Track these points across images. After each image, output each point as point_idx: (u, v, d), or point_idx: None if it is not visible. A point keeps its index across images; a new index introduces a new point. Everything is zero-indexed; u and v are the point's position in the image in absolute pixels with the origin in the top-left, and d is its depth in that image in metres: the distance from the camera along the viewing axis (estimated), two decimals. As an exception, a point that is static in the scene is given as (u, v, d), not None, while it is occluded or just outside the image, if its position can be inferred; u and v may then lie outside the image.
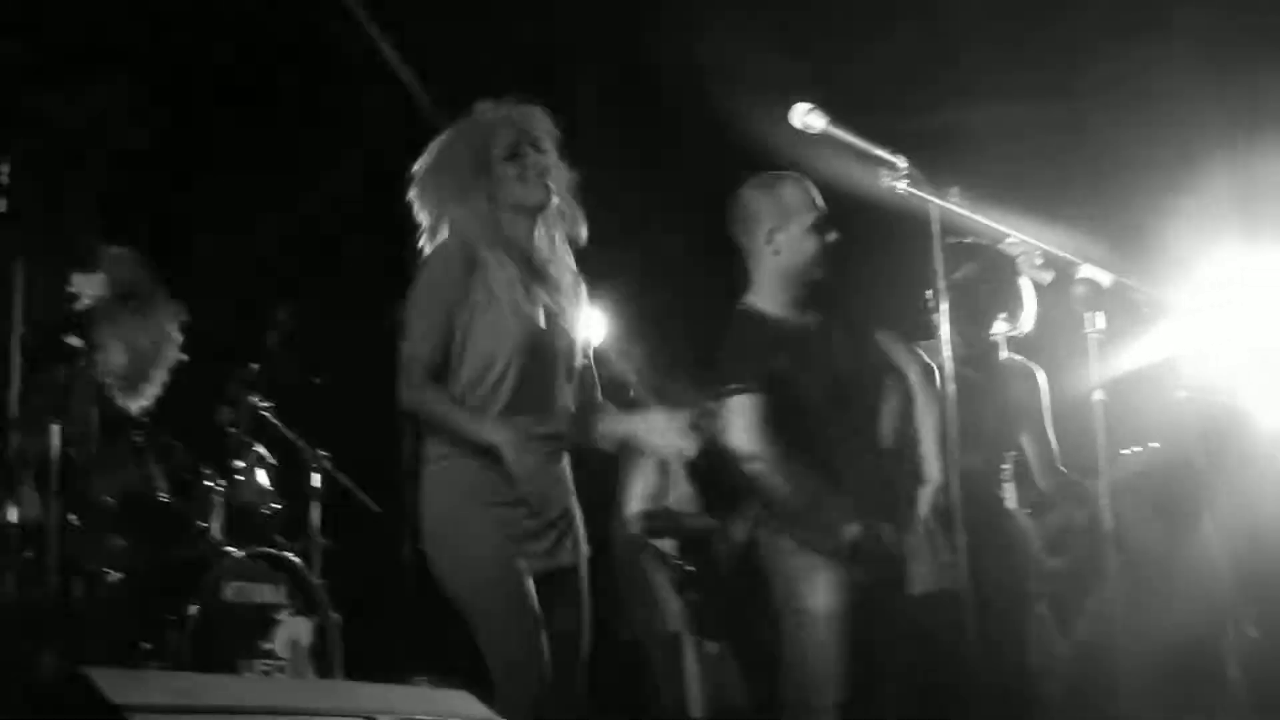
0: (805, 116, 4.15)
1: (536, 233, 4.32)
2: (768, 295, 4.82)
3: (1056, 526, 6.20)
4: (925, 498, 4.72)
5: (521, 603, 4.08)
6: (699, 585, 6.63)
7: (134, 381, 5.68)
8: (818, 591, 4.57)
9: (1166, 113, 6.65)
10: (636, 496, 6.72)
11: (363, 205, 6.75)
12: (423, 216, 4.32)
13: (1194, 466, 5.94)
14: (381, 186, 6.84)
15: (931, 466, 4.72)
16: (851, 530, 4.54)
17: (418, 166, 4.32)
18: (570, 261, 4.40)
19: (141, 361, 5.68)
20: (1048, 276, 5.17)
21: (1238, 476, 5.76)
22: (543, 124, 4.32)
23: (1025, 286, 5.23)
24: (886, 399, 4.82)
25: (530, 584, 4.12)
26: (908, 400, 4.82)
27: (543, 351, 4.21)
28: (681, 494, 6.76)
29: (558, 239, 4.37)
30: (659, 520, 6.70)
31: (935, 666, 4.68)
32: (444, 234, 4.25)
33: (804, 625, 4.58)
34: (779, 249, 4.78)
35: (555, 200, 4.30)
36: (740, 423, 4.61)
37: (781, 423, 4.66)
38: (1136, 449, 5.64)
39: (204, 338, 5.91)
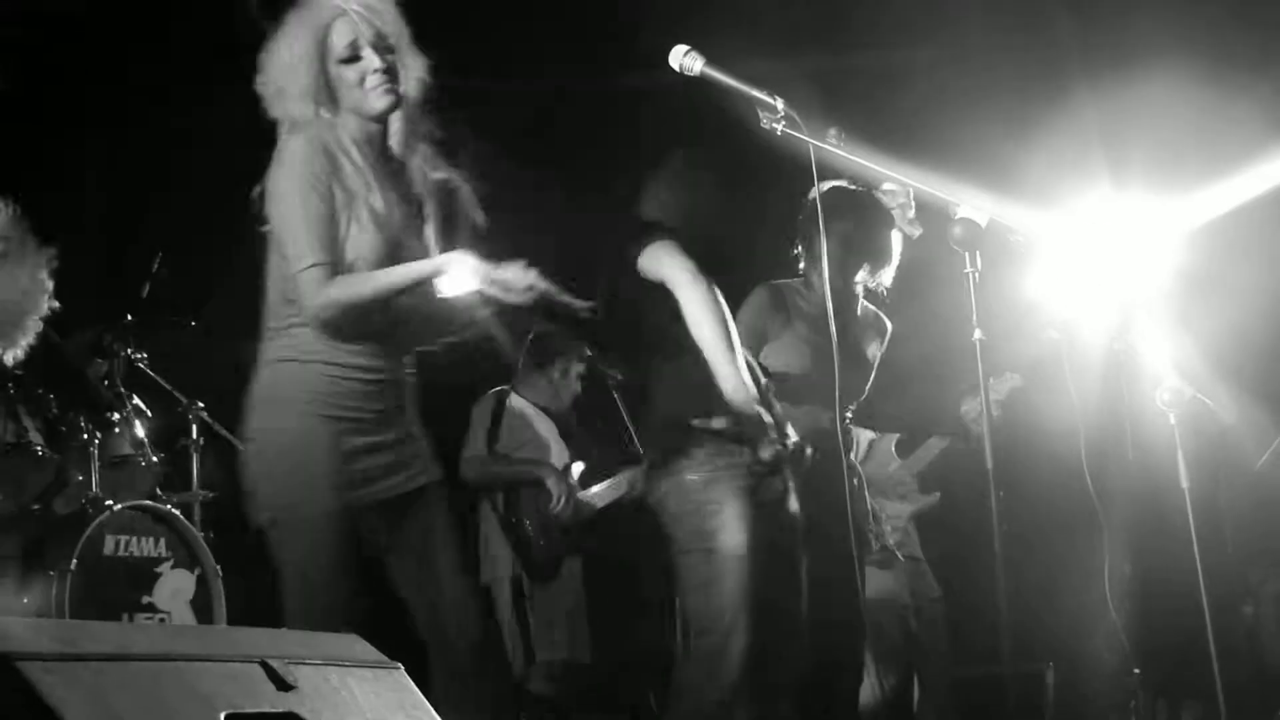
0: (683, 58, 4.14)
1: (391, 138, 3.97)
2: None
3: (924, 463, 6.34)
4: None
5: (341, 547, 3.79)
6: (526, 535, 6.51)
7: (5, 329, 5.57)
8: (728, 528, 4.44)
9: (1036, 54, 6.75)
10: (475, 441, 6.63)
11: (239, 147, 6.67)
12: (273, 113, 3.94)
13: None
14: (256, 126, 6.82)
15: (724, 382, 4.45)
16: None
17: (261, 59, 3.93)
18: (429, 167, 4.05)
19: (14, 311, 5.58)
20: (918, 231, 5.24)
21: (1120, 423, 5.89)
22: (385, 18, 3.94)
23: (895, 240, 5.26)
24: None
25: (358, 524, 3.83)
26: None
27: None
28: (539, 440, 6.66)
29: (416, 142, 4.01)
30: (482, 467, 6.59)
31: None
32: (295, 134, 3.87)
33: (713, 563, 4.42)
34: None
35: (404, 102, 3.94)
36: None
37: None
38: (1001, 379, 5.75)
39: (76, 287, 5.81)
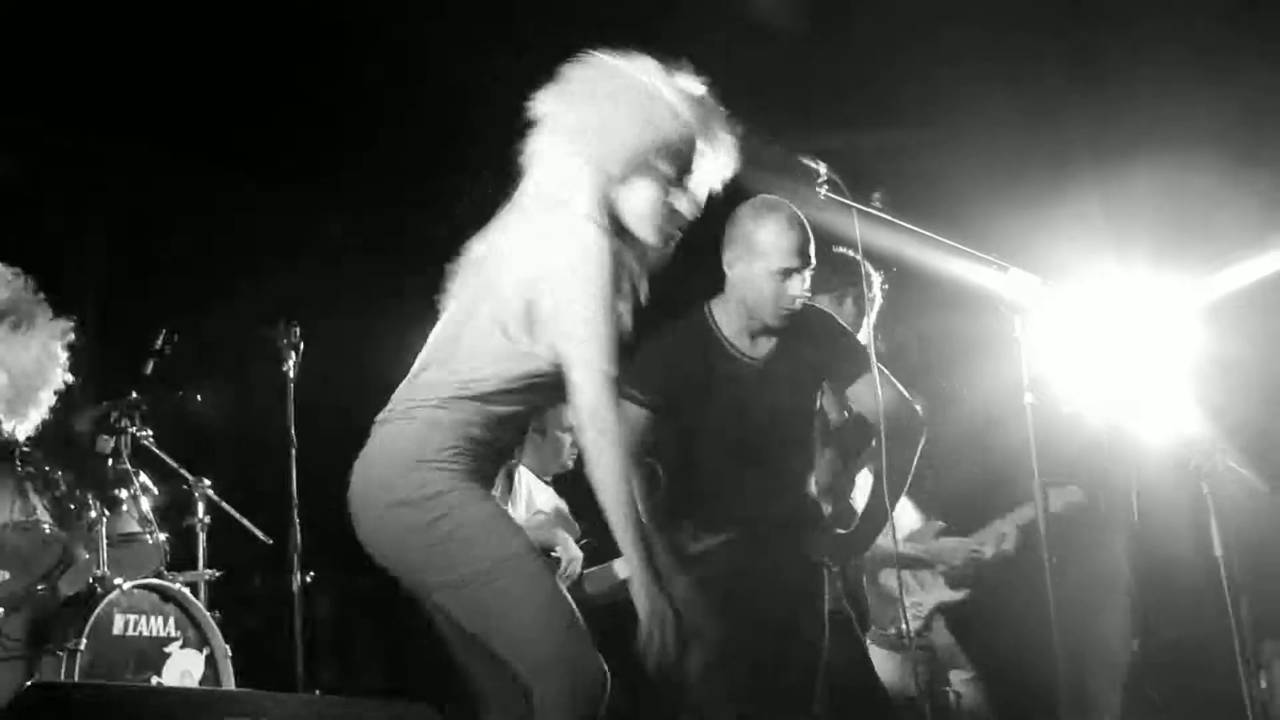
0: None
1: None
2: (728, 311, 4.61)
3: (960, 553, 6.27)
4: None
5: (552, 579, 3.41)
6: None
7: (16, 404, 5.48)
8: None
9: (1042, 134, 6.80)
10: None
11: (247, 226, 6.67)
12: (556, 170, 3.46)
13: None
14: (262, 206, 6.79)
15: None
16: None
17: (563, 105, 3.45)
18: None
19: (25, 384, 5.48)
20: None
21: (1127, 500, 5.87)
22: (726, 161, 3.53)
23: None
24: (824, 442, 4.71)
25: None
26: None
27: None
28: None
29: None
30: None
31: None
32: (589, 214, 3.40)
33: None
34: (738, 279, 4.54)
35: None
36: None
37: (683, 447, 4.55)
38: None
39: (88, 361, 5.74)
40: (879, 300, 5.31)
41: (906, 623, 5.79)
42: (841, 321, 4.78)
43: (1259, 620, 6.13)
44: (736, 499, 4.51)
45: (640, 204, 3.44)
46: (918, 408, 4.61)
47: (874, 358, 4.39)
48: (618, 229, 3.43)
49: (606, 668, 3.29)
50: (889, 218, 4.19)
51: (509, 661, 3.33)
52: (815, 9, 6.88)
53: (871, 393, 4.42)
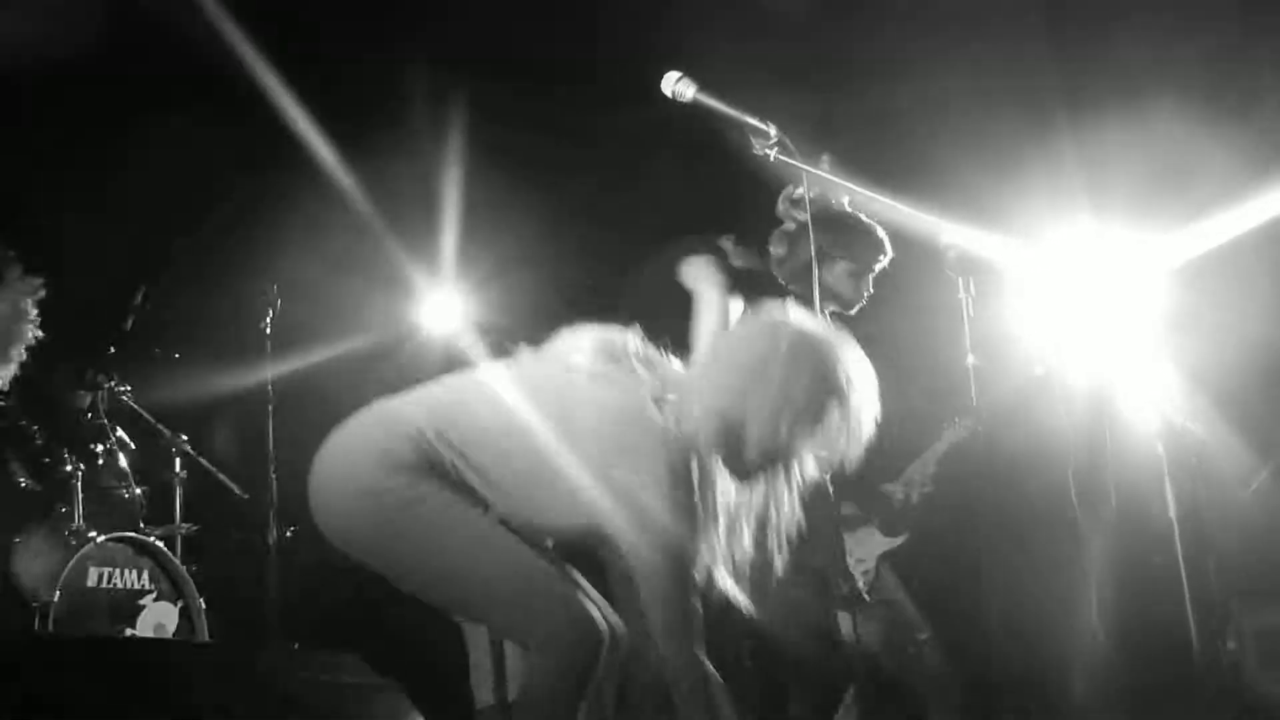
0: (675, 85, 4.15)
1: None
2: None
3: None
4: None
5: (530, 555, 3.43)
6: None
7: (-12, 360, 5.53)
8: None
9: (1017, 93, 6.80)
10: None
11: (222, 182, 6.70)
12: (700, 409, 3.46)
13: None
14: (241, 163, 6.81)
15: None
16: None
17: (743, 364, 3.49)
18: None
19: (-5, 340, 5.54)
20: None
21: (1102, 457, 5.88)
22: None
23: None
24: None
25: None
26: None
27: None
28: None
29: None
30: None
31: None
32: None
33: None
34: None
35: None
36: None
37: None
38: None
39: (61, 317, 5.78)
40: (881, 266, 5.28)
41: (855, 579, 5.82)
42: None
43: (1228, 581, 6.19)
44: None
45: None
46: None
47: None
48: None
49: (606, 623, 3.36)
50: (837, 180, 4.20)
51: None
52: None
53: None
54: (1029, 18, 6.79)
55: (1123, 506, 5.87)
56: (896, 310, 5.50)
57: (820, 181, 4.22)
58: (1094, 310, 5.93)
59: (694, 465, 3.38)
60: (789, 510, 3.54)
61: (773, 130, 4.16)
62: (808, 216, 4.51)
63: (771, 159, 4.18)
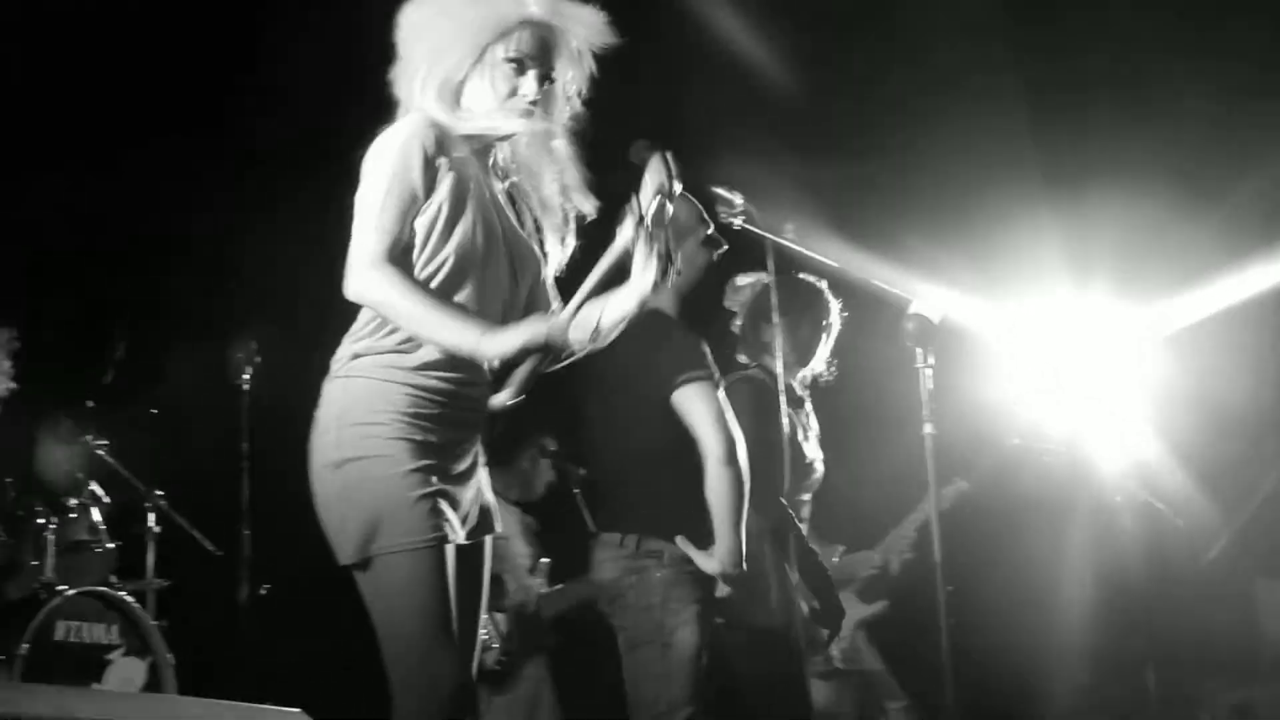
0: (643, 152, 4.16)
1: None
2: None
3: (867, 571, 6.28)
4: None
5: (441, 576, 3.22)
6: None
7: (-40, 413, 5.56)
8: (687, 624, 4.39)
9: (997, 159, 6.83)
10: None
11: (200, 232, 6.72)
12: (403, 82, 3.40)
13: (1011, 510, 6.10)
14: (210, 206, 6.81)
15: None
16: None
17: (404, 19, 3.39)
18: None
19: (-34, 392, 5.57)
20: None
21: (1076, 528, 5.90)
22: (578, 47, 3.44)
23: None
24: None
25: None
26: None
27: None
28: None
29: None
30: None
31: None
32: (419, 108, 3.37)
33: (668, 658, 4.36)
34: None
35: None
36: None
37: None
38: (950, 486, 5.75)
39: (37, 370, 5.81)
40: (837, 326, 5.32)
41: (829, 650, 5.79)
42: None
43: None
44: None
45: (483, 93, 3.37)
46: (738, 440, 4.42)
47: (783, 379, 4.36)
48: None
49: (468, 679, 3.27)
50: (801, 249, 4.23)
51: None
52: (769, 43, 6.93)
53: (695, 408, 4.23)
54: (1008, 91, 6.84)
55: (1097, 579, 5.89)
56: (870, 377, 5.52)
57: (785, 250, 4.24)
58: (1071, 379, 5.96)
59: None
60: None
61: (739, 200, 4.20)
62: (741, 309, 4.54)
63: (736, 227, 4.21)
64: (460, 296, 3.29)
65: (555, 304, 3.48)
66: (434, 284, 3.26)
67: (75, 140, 6.68)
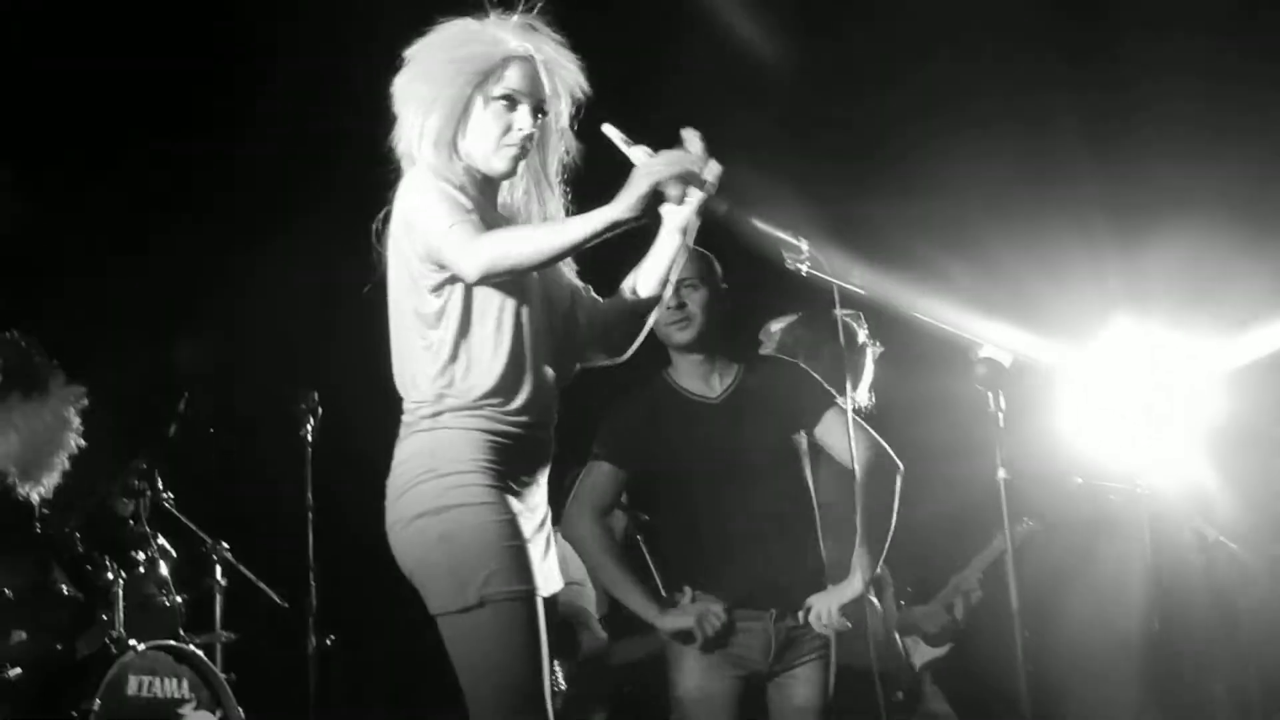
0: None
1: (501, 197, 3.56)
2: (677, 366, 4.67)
3: (935, 618, 6.26)
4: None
5: (539, 623, 3.28)
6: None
7: (31, 469, 5.58)
8: (687, 676, 4.50)
9: (1055, 193, 6.82)
10: None
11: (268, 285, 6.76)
12: (403, 134, 3.47)
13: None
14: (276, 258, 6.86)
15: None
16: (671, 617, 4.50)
17: (400, 75, 3.47)
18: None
19: (38, 448, 5.59)
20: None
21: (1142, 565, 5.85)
22: (563, 79, 3.50)
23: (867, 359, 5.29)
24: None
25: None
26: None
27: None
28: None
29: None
30: None
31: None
32: (425, 159, 3.42)
33: (679, 713, 4.50)
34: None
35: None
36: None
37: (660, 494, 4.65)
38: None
39: (104, 425, 5.84)
40: (870, 358, 5.33)
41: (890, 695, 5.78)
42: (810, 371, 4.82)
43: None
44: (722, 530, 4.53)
45: (480, 136, 3.42)
46: (889, 451, 4.58)
47: (849, 408, 4.36)
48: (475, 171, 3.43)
49: None
50: (869, 295, 4.22)
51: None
52: (822, 80, 6.95)
53: (840, 431, 4.45)
54: (1069, 124, 6.83)
55: (1165, 617, 5.83)
56: (937, 420, 5.51)
57: (851, 294, 4.23)
58: (1134, 416, 5.92)
59: None
60: None
61: (804, 245, 4.18)
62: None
63: (803, 273, 4.20)
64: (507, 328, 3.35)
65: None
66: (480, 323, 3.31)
67: (138, 204, 6.75)
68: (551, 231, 3.27)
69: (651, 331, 3.69)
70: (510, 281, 3.33)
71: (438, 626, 3.31)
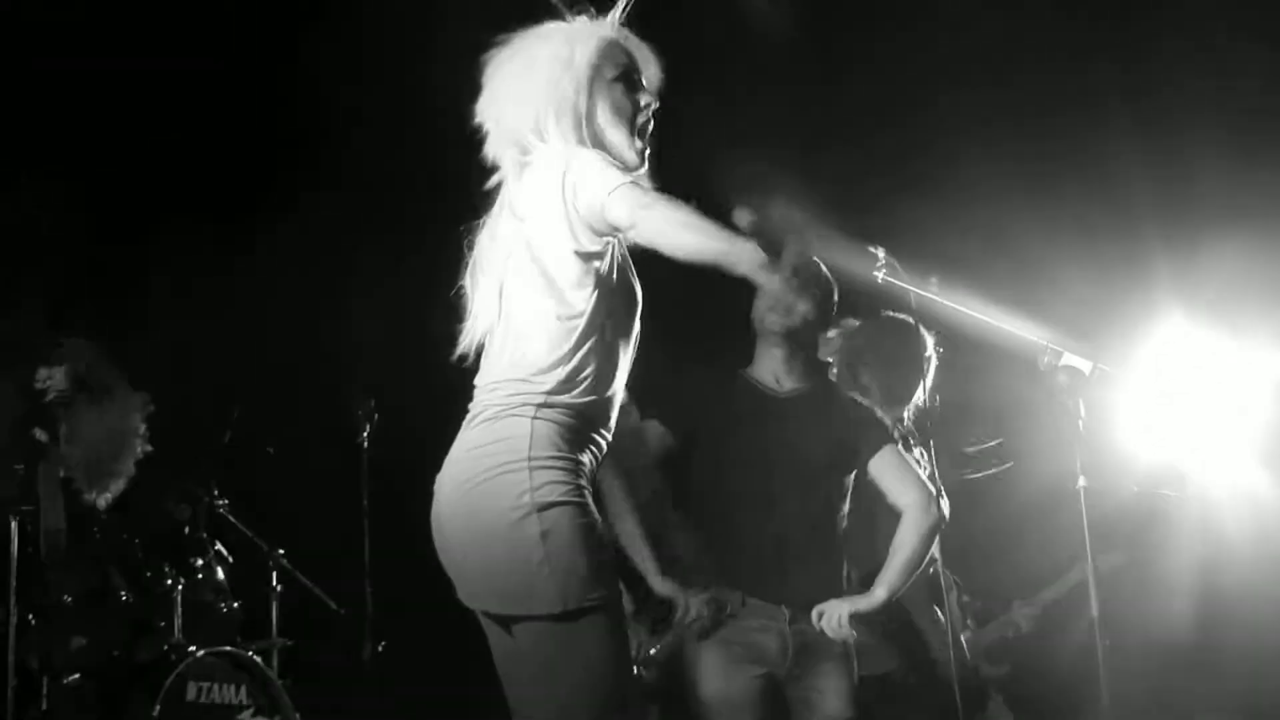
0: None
1: None
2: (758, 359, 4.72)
3: (995, 637, 6.24)
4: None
5: (625, 630, 3.24)
6: None
7: (98, 475, 5.59)
8: (707, 677, 4.49)
9: (1108, 200, 6.81)
10: None
11: (322, 296, 6.77)
12: (518, 139, 3.32)
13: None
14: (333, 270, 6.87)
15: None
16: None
17: (491, 90, 3.36)
18: None
19: (105, 454, 5.60)
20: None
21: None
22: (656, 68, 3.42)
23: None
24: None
25: None
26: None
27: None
28: None
29: None
30: None
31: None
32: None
33: (701, 715, 4.49)
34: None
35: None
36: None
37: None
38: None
39: (164, 432, 5.85)
40: (934, 363, 5.32)
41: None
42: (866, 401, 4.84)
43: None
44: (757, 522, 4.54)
45: (609, 117, 3.32)
46: (940, 498, 4.59)
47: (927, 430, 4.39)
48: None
49: None
50: (946, 301, 4.20)
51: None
52: (870, 85, 6.94)
53: (891, 471, 4.58)
54: (1123, 132, 6.82)
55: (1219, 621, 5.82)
56: (1004, 425, 5.49)
57: (929, 302, 4.22)
58: (1188, 424, 5.89)
59: None
60: None
61: (881, 254, 4.18)
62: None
63: (880, 281, 4.19)
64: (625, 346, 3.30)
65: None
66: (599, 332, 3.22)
67: (195, 215, 6.76)
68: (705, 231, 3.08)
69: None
70: (634, 292, 3.30)
71: (508, 628, 3.18)
